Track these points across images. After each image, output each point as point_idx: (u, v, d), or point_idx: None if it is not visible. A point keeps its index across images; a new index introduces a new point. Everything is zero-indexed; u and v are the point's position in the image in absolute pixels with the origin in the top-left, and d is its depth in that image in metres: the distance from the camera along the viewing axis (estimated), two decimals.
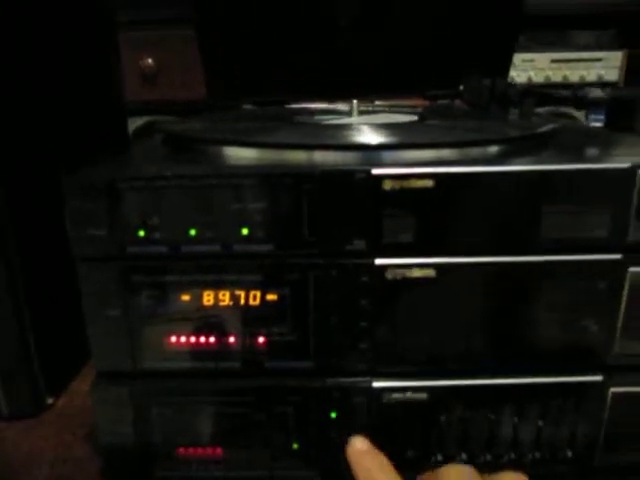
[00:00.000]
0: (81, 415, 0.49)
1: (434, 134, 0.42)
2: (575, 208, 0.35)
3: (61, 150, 0.52)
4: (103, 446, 0.39)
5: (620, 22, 1.47)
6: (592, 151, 0.36)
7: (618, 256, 0.36)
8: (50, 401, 0.50)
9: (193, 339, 0.38)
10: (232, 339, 0.38)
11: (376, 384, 0.38)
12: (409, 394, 0.38)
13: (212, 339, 0.38)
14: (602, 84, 1.48)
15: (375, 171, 0.34)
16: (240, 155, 0.39)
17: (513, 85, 0.61)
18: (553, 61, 1.46)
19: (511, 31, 0.69)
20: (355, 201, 0.34)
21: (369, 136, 0.40)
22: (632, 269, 0.36)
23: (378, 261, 0.35)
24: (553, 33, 1.50)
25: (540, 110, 0.63)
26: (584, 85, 1.61)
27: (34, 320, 0.47)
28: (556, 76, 1.47)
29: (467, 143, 0.36)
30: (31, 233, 0.47)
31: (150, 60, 1.29)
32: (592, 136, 0.46)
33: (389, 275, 0.35)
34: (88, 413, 0.49)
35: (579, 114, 1.50)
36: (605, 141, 0.44)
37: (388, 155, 0.37)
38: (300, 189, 0.34)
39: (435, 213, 0.34)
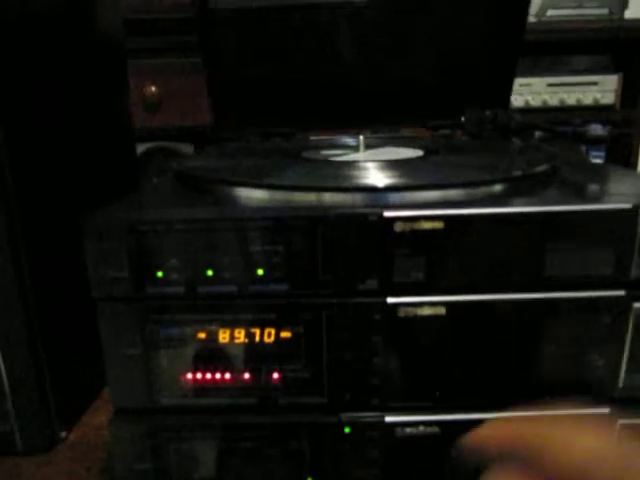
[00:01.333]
0: (94, 450, 0.50)
1: (441, 174, 0.44)
2: (579, 246, 0.36)
3: (75, 186, 0.54)
4: None
5: (615, 47, 1.50)
6: (595, 189, 0.37)
7: (622, 292, 0.37)
8: (63, 435, 0.51)
9: (209, 376, 0.39)
10: (247, 376, 0.39)
11: (388, 419, 0.38)
12: (421, 428, 0.38)
13: (227, 376, 0.39)
14: (598, 107, 1.50)
15: (387, 213, 0.35)
16: (253, 196, 0.40)
17: (515, 117, 0.62)
18: (550, 85, 1.49)
19: (511, 63, 0.71)
20: (367, 242, 0.36)
21: (378, 177, 0.42)
22: (636, 305, 0.37)
23: (390, 300, 0.37)
24: (550, 58, 1.53)
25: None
26: (580, 108, 1.63)
27: (48, 354, 0.48)
28: (553, 100, 1.50)
29: (473, 183, 0.38)
30: (46, 270, 0.48)
31: (153, 88, 1.31)
32: (595, 172, 0.48)
33: (401, 313, 0.37)
34: (101, 448, 0.50)
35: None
36: (607, 178, 0.46)
37: (398, 196, 0.38)
38: (314, 231, 0.35)
39: (445, 252, 0.36)
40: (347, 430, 0.39)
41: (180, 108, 1.30)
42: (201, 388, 0.39)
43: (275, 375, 0.39)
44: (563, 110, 1.54)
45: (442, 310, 0.36)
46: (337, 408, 0.39)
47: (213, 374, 0.39)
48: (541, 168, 0.43)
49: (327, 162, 0.48)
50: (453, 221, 0.35)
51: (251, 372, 0.39)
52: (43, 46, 0.49)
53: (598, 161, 0.42)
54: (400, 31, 0.72)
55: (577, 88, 1.52)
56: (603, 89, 1.51)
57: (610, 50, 1.53)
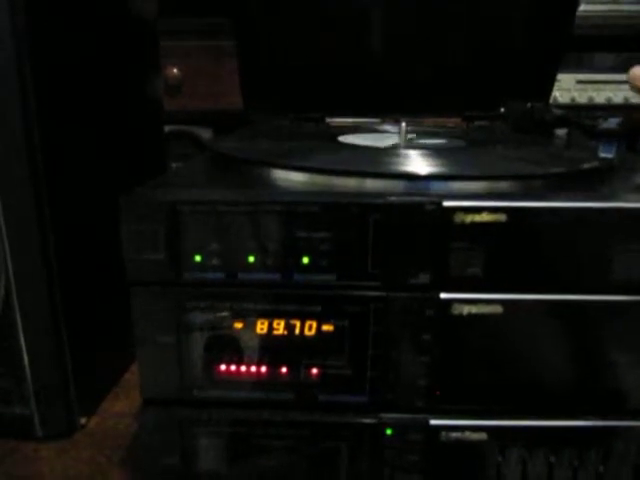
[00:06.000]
0: (113, 437, 0.48)
1: (495, 165, 0.41)
2: None
3: (104, 168, 0.51)
4: (147, 474, 0.38)
5: None
6: None
7: None
8: (83, 421, 0.49)
9: (244, 368, 0.37)
10: (285, 370, 0.36)
11: (433, 422, 0.36)
12: (467, 433, 0.36)
13: (264, 369, 0.37)
14: (628, 107, 1.47)
15: (446, 203, 0.33)
16: (296, 179, 0.38)
17: (550, 111, 0.60)
18: (579, 82, 1.45)
19: (555, 54, 0.68)
20: (423, 233, 0.33)
21: (431, 165, 0.39)
22: None
23: (443, 295, 0.34)
24: (580, 54, 1.50)
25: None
26: (609, 107, 1.59)
27: (70, 338, 0.46)
28: (581, 97, 1.46)
29: (543, 176, 0.35)
30: (72, 253, 0.46)
31: (175, 70, 1.29)
32: None
33: (455, 310, 0.34)
34: (121, 436, 0.48)
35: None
36: None
37: (451, 186, 0.36)
38: (366, 219, 0.33)
39: (506, 247, 0.33)
40: (388, 432, 0.36)
41: (201, 91, 1.28)
42: (235, 381, 0.37)
43: (314, 370, 0.36)
44: (591, 108, 1.50)
45: (499, 309, 0.34)
46: (379, 408, 0.37)
47: (248, 367, 0.37)
48: (603, 163, 0.40)
49: (373, 148, 0.46)
50: (517, 214, 0.32)
51: (289, 366, 0.36)
52: (74, 24, 0.47)
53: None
54: (439, 18, 0.69)
55: (607, 86, 1.48)
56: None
57: None
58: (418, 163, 0.41)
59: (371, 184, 0.36)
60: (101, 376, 0.53)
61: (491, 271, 0.34)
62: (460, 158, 0.42)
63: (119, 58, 0.55)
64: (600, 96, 1.48)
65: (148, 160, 0.64)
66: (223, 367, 0.37)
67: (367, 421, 0.37)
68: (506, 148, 0.49)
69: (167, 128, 1.43)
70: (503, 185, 0.35)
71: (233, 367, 0.37)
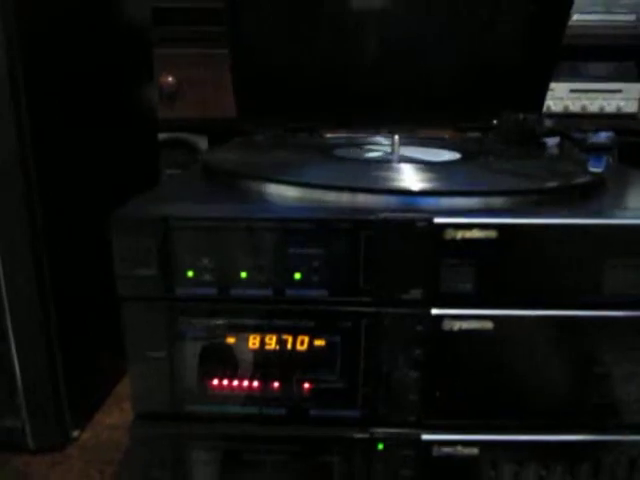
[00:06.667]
0: (106, 451, 0.48)
1: (488, 180, 0.41)
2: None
3: (98, 179, 0.52)
4: None
5: (639, 54, 1.47)
6: None
7: None
8: (75, 434, 0.49)
9: (236, 383, 0.37)
10: (277, 384, 0.37)
11: (425, 436, 0.36)
12: (459, 448, 0.36)
13: (256, 384, 0.37)
14: (621, 115, 1.48)
15: (437, 220, 0.33)
16: (287, 194, 0.38)
17: (541, 122, 0.60)
18: (572, 91, 1.46)
19: (548, 66, 0.68)
20: (414, 249, 0.33)
21: (423, 180, 0.40)
22: None
23: (435, 311, 0.34)
24: (573, 63, 1.50)
25: None
26: (602, 116, 1.60)
27: (63, 351, 0.46)
28: (575, 106, 1.47)
29: (533, 191, 0.35)
30: (65, 267, 0.46)
31: (170, 78, 1.29)
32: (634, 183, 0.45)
33: (445, 326, 0.34)
34: (113, 449, 0.48)
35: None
36: None
37: (443, 202, 0.36)
38: (358, 235, 0.33)
39: (496, 264, 0.33)
40: (380, 447, 0.36)
41: (197, 100, 1.28)
42: (227, 395, 0.37)
43: (306, 385, 0.36)
44: (584, 117, 1.51)
45: (489, 325, 0.34)
46: (371, 423, 0.37)
47: (241, 381, 0.37)
48: (593, 177, 0.41)
49: (365, 162, 0.46)
50: (507, 230, 0.33)
51: (281, 381, 0.36)
52: (68, 33, 0.47)
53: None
54: (433, 30, 0.70)
55: (600, 95, 1.49)
56: (626, 96, 1.48)
57: (635, 57, 1.50)
58: (411, 178, 0.41)
59: (364, 199, 0.36)
60: (94, 388, 0.53)
61: (482, 287, 0.34)
62: (453, 172, 0.43)
63: (112, 67, 0.55)
64: (594, 105, 1.49)
65: (143, 169, 0.64)
66: (215, 382, 0.37)
67: (359, 436, 0.37)
68: (498, 161, 0.49)
69: (162, 136, 1.44)
70: (494, 201, 0.36)
71: (225, 382, 0.37)
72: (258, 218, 0.33)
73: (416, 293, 0.34)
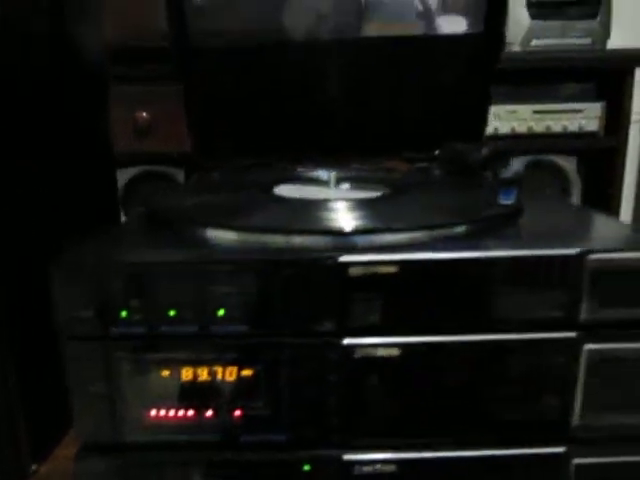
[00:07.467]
0: None
1: (403, 215, 0.45)
2: (531, 290, 0.37)
3: (51, 215, 0.54)
4: None
5: (598, 75, 1.53)
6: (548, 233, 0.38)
7: (573, 334, 0.38)
8: (34, 468, 0.51)
9: (172, 413, 0.40)
10: (210, 413, 0.40)
11: (346, 457, 0.39)
12: (378, 467, 0.39)
13: (190, 413, 0.40)
14: (582, 134, 1.53)
15: (342, 258, 0.36)
16: (219, 236, 0.42)
17: (481, 152, 0.64)
18: (535, 112, 1.51)
19: (483, 99, 0.72)
20: (324, 285, 0.37)
21: (341, 219, 0.43)
22: (587, 346, 0.38)
23: (346, 341, 0.38)
24: (535, 86, 1.56)
25: None
26: (565, 135, 1.65)
27: (20, 386, 0.49)
28: (539, 126, 1.52)
29: (424, 227, 0.39)
30: (19, 306, 0.49)
31: (144, 113, 1.34)
32: (554, 212, 0.49)
33: (357, 354, 0.38)
34: None
35: (571, 166, 1.56)
36: (563, 218, 0.47)
37: (359, 238, 0.39)
38: (272, 274, 0.37)
39: (399, 296, 0.37)
40: (306, 468, 0.39)
41: (170, 134, 1.32)
42: (164, 425, 0.40)
43: (237, 412, 0.39)
44: (548, 137, 1.57)
45: (396, 351, 0.37)
46: (297, 446, 0.40)
47: (176, 411, 0.40)
48: (501, 210, 0.44)
49: (294, 201, 0.50)
50: (406, 266, 0.36)
51: (213, 409, 0.40)
52: (19, 71, 0.50)
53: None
54: (377, 70, 0.74)
55: (563, 115, 1.54)
56: (588, 116, 1.54)
57: (594, 78, 1.56)
58: (334, 217, 0.44)
59: (283, 240, 0.40)
60: (52, 423, 0.55)
61: (387, 318, 0.37)
62: (375, 210, 0.46)
63: (63, 102, 0.58)
64: (557, 125, 1.54)
65: (98, 203, 0.66)
66: (153, 413, 0.40)
67: (286, 458, 0.40)
68: (425, 194, 0.53)
69: (141, 168, 1.48)
70: (398, 237, 0.39)
71: (162, 412, 0.40)
72: (180, 261, 0.37)
73: (329, 325, 0.37)
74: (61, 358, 0.39)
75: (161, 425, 0.40)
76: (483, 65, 0.72)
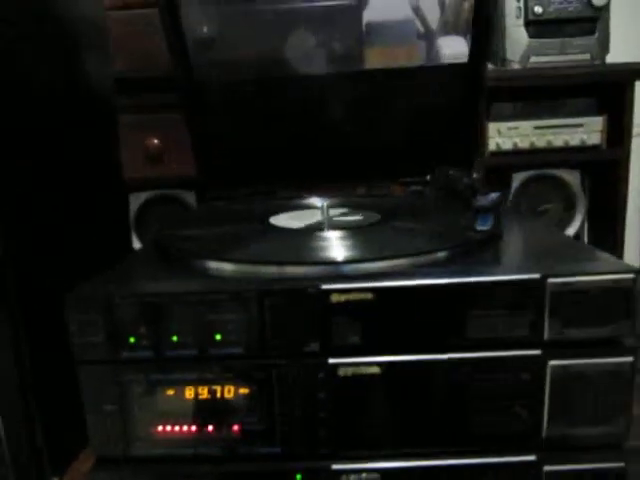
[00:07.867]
0: None
1: (385, 244, 0.49)
2: (498, 311, 0.41)
3: (67, 247, 0.59)
4: None
5: (598, 90, 1.56)
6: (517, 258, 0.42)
7: (538, 352, 0.42)
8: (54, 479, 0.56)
9: (177, 428, 0.44)
10: (211, 428, 0.44)
11: (335, 466, 0.43)
12: (364, 475, 0.43)
13: (193, 428, 0.44)
14: (584, 148, 1.55)
15: (324, 286, 0.40)
16: (220, 268, 0.46)
17: (462, 178, 0.67)
18: (537, 128, 1.54)
19: (472, 125, 0.76)
20: (309, 311, 0.41)
21: (328, 249, 0.48)
22: (551, 362, 0.42)
23: (331, 360, 0.42)
24: (536, 102, 1.59)
25: None
26: (567, 150, 1.68)
27: (40, 403, 0.54)
28: (540, 142, 1.55)
29: (405, 255, 0.43)
30: (39, 330, 0.54)
31: (155, 140, 1.39)
32: (531, 236, 0.53)
33: (341, 372, 0.42)
34: None
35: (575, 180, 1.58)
36: (536, 242, 0.51)
37: (346, 267, 0.44)
38: (263, 302, 0.41)
39: (376, 320, 0.41)
40: (298, 478, 0.43)
41: (180, 159, 1.37)
42: (170, 440, 0.44)
43: (235, 427, 0.43)
44: (550, 151, 1.59)
45: (377, 369, 0.41)
46: (290, 457, 0.44)
47: (180, 427, 0.44)
48: (477, 237, 0.48)
49: (289, 233, 0.54)
50: (380, 292, 0.40)
51: (214, 425, 0.44)
52: (30, 106, 0.55)
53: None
54: (373, 99, 0.79)
55: (564, 130, 1.57)
56: (589, 130, 1.57)
57: (594, 93, 1.59)
58: (322, 247, 0.49)
59: (276, 270, 0.44)
60: (71, 438, 0.60)
61: (367, 339, 0.41)
62: (360, 239, 0.51)
63: (74, 132, 0.63)
64: (558, 140, 1.57)
65: (110, 229, 0.71)
66: (159, 428, 0.44)
67: (280, 469, 0.44)
68: (409, 221, 0.57)
69: (153, 193, 1.54)
70: (383, 264, 0.43)
71: (168, 428, 0.44)
72: (182, 292, 0.41)
73: (315, 346, 0.41)
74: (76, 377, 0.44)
75: (167, 440, 0.44)
76: (470, 90, 0.75)
